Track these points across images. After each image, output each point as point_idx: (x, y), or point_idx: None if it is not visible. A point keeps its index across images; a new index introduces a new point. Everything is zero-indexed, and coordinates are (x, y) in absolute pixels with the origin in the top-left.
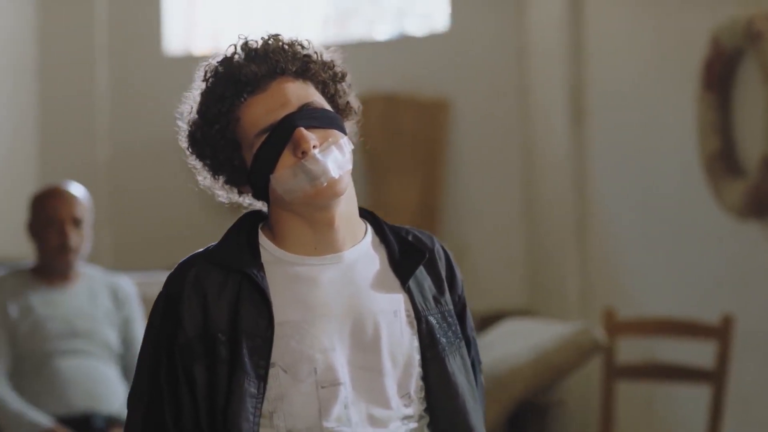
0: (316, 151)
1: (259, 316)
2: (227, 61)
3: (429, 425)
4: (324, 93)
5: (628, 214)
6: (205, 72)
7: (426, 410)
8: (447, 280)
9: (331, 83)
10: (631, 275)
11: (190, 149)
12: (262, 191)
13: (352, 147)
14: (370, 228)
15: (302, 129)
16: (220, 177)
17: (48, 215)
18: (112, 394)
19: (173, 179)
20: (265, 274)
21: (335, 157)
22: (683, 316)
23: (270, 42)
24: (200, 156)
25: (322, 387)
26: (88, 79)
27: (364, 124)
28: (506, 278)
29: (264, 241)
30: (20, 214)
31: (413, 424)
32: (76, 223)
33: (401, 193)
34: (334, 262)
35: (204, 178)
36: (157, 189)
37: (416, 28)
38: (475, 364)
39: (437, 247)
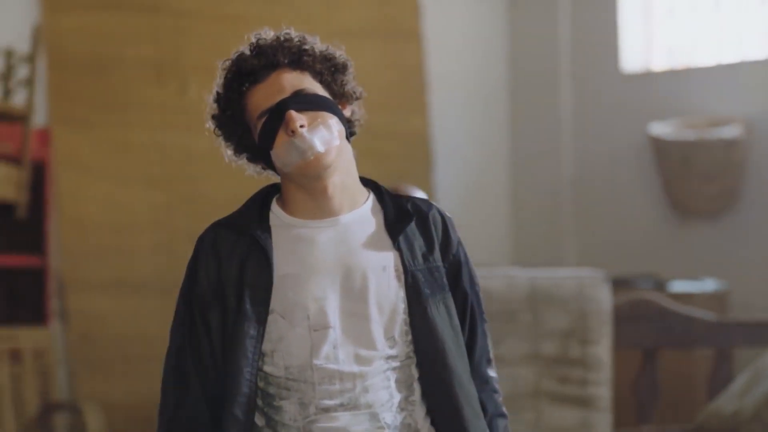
0: (304, 130)
1: (261, 270)
2: (237, 57)
3: (416, 365)
4: (321, 82)
5: None
6: (223, 66)
7: (413, 352)
8: (441, 241)
9: (326, 73)
10: None
11: (216, 132)
12: (270, 166)
13: (342, 127)
14: (372, 196)
15: (292, 111)
16: (242, 155)
17: None
18: None
19: (634, 191)
20: (270, 235)
21: (322, 135)
22: None
23: (277, 38)
24: (223, 138)
25: (315, 330)
26: (553, 98)
27: None
28: None
29: (275, 207)
30: (495, 226)
31: (396, 363)
32: None
33: None
34: (330, 225)
35: (229, 155)
36: (619, 200)
37: None
38: (475, 313)
39: (433, 212)
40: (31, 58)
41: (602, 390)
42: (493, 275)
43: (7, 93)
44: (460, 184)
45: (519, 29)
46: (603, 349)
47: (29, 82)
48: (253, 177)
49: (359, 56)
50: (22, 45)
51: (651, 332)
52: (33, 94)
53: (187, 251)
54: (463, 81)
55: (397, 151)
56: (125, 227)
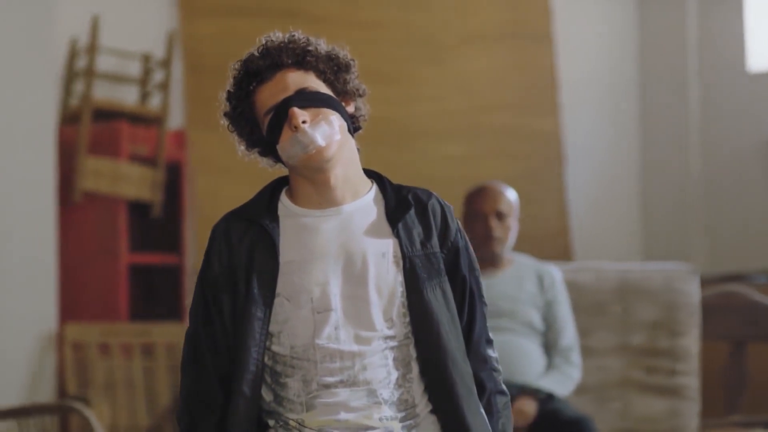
0: (306, 126)
1: (268, 257)
2: (246, 58)
3: (414, 345)
4: (325, 80)
5: None
6: (234, 66)
7: (411, 333)
8: (439, 229)
9: (329, 72)
10: None
11: (229, 128)
12: (279, 159)
13: (344, 122)
14: (375, 186)
15: (295, 108)
16: (254, 150)
17: (475, 209)
18: (528, 365)
19: (759, 188)
20: (278, 224)
21: (323, 129)
22: None
23: (283, 40)
24: (236, 134)
25: (318, 312)
26: (681, 98)
27: None
28: None
29: (284, 198)
30: (625, 223)
31: (394, 343)
32: (500, 216)
33: None
34: (334, 214)
35: (242, 150)
36: (747, 197)
37: None
38: (474, 297)
39: (432, 201)
40: (166, 63)
41: (690, 380)
42: (584, 268)
43: (145, 97)
44: (590, 182)
45: (648, 30)
46: (691, 340)
47: (164, 86)
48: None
49: (492, 59)
50: (158, 50)
51: (739, 324)
52: (168, 98)
53: None
54: (594, 82)
55: (528, 151)
56: None
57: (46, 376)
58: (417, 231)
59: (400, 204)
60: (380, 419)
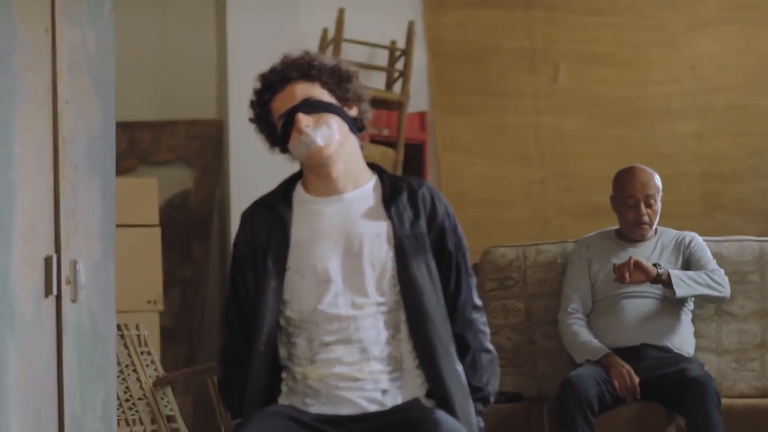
0: (309, 129)
1: (281, 237)
2: (263, 73)
3: (403, 310)
4: (328, 90)
5: None
6: (256, 80)
7: (401, 300)
8: (428, 213)
9: (331, 82)
10: None
11: (256, 131)
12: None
13: (344, 125)
14: (375, 177)
15: (299, 114)
16: (275, 148)
17: (625, 195)
18: (667, 329)
19: None
20: (291, 210)
21: (323, 132)
22: None
23: (293, 58)
24: (262, 135)
25: (321, 283)
26: None
27: None
28: None
29: (298, 188)
30: None
31: (384, 308)
32: (649, 202)
33: None
34: (336, 201)
35: (267, 148)
36: None
37: None
38: (460, 270)
39: (423, 190)
40: (406, 52)
41: None
42: (726, 240)
43: (390, 83)
44: None
45: None
46: None
47: (404, 73)
48: (617, 155)
49: (720, 42)
50: (399, 40)
51: None
52: (408, 83)
53: (560, 222)
54: None
55: (755, 129)
56: (501, 201)
57: None
58: (407, 215)
59: (394, 191)
60: (369, 372)
